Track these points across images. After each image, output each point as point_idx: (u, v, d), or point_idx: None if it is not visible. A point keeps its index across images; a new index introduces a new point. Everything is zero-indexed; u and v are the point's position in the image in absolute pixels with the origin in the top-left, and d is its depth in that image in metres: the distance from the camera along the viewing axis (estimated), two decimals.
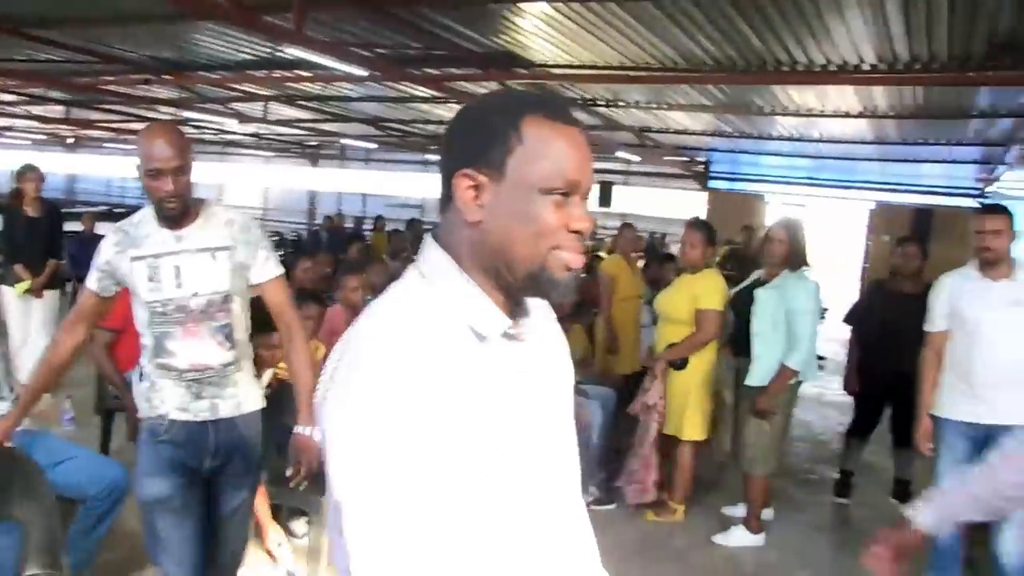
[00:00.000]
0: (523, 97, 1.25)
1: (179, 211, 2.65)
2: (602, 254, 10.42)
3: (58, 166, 25.86)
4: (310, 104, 13.61)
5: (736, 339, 4.92)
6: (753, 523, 4.86)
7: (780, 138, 12.83)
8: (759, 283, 4.84)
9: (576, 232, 1.20)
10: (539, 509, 1.25)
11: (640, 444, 5.13)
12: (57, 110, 16.23)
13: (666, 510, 5.14)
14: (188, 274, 2.68)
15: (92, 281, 2.74)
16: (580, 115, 11.42)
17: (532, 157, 1.18)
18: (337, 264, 6.64)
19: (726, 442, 5.13)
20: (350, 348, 1.16)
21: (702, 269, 5.01)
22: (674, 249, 12.76)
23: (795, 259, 4.72)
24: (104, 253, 2.70)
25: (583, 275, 5.58)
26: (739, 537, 4.84)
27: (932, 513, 1.94)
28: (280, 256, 3.14)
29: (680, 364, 4.93)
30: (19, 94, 14.60)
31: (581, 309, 6.90)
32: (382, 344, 1.12)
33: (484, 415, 1.15)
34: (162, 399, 2.74)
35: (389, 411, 1.06)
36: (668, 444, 5.13)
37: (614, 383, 6.00)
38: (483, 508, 1.14)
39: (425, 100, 12.18)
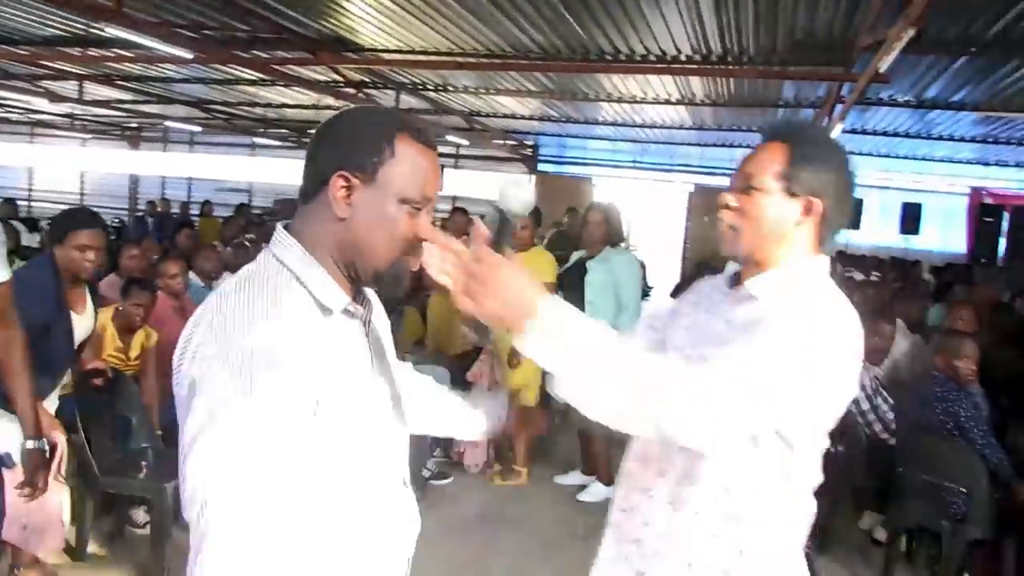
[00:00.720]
0: (397, 115, 1.42)
1: None
2: None
3: None
4: (130, 84, 13.06)
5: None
6: (604, 475, 5.24)
7: (605, 123, 13.30)
8: (583, 260, 5.25)
9: (422, 241, 1.38)
10: (371, 470, 1.41)
11: None
12: None
13: (512, 474, 5.48)
14: None
15: None
16: (409, 99, 11.52)
17: (400, 170, 1.35)
18: (164, 251, 6.48)
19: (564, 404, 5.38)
20: (206, 316, 1.27)
21: (530, 248, 5.36)
22: None
23: (613, 236, 5.18)
24: None
25: None
26: (598, 491, 5.22)
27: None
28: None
29: None
30: None
31: (415, 292, 7.01)
32: (241, 309, 1.25)
33: (329, 377, 1.29)
34: None
35: (245, 365, 1.19)
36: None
37: (447, 363, 6.14)
38: (320, 462, 1.28)
39: (252, 83, 11.94)
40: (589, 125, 13.82)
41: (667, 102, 10.51)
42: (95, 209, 17.10)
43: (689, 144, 14.99)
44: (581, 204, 14.46)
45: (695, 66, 7.93)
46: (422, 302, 6.86)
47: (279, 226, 1.40)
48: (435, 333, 6.60)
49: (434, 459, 5.48)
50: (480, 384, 5.50)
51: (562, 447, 5.90)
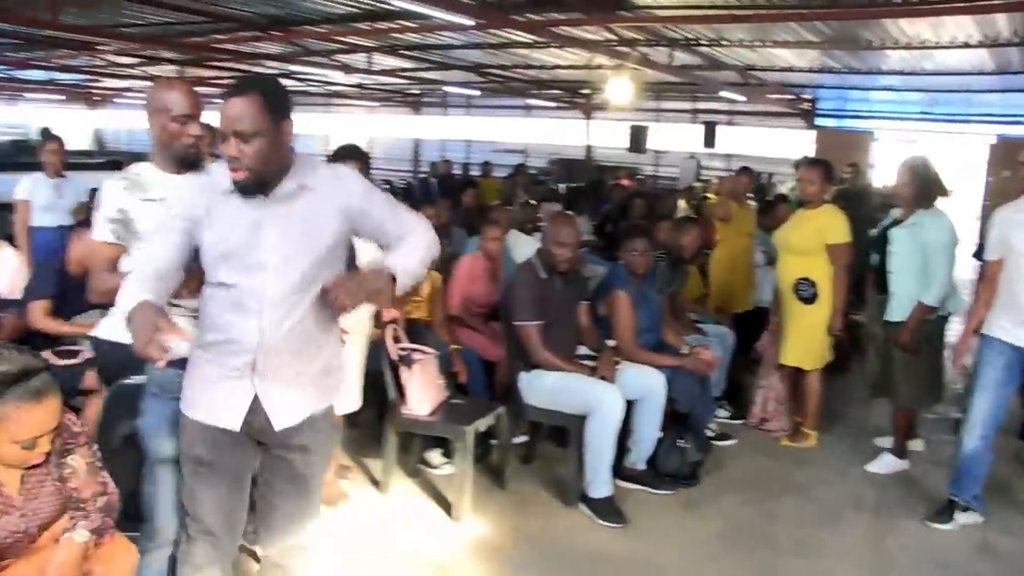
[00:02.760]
0: None
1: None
2: (709, 195, 10.37)
3: None
4: (412, 53, 13.77)
5: (879, 277, 4.96)
6: (899, 450, 5.01)
7: (891, 72, 12.44)
8: (897, 222, 4.84)
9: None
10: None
11: (768, 377, 5.48)
12: (170, 70, 16.79)
13: (800, 436, 5.34)
14: None
15: None
16: (682, 56, 11.33)
17: None
18: (452, 212, 6.79)
19: (873, 375, 5.17)
20: None
21: (820, 205, 5.15)
22: (782, 189, 12.55)
23: (924, 196, 4.67)
24: None
25: (693, 217, 5.78)
26: (888, 463, 4.98)
27: None
28: None
29: (810, 298, 5.07)
30: (135, 56, 15.21)
31: (696, 250, 6.95)
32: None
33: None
34: None
35: None
36: (794, 375, 5.37)
37: (728, 322, 6.06)
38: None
39: (527, 45, 12.21)
40: (872, 75, 12.98)
41: (964, 45, 9.64)
42: (382, 171, 18.29)
43: (990, 91, 13.67)
44: (863, 159, 13.73)
45: (1000, 1, 7.18)
46: (702, 259, 6.81)
47: None
48: (717, 291, 6.54)
49: (718, 419, 5.42)
50: (767, 355, 5.46)
51: (872, 414, 5.68)
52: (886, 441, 5.20)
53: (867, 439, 5.41)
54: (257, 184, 2.24)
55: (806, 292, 5.09)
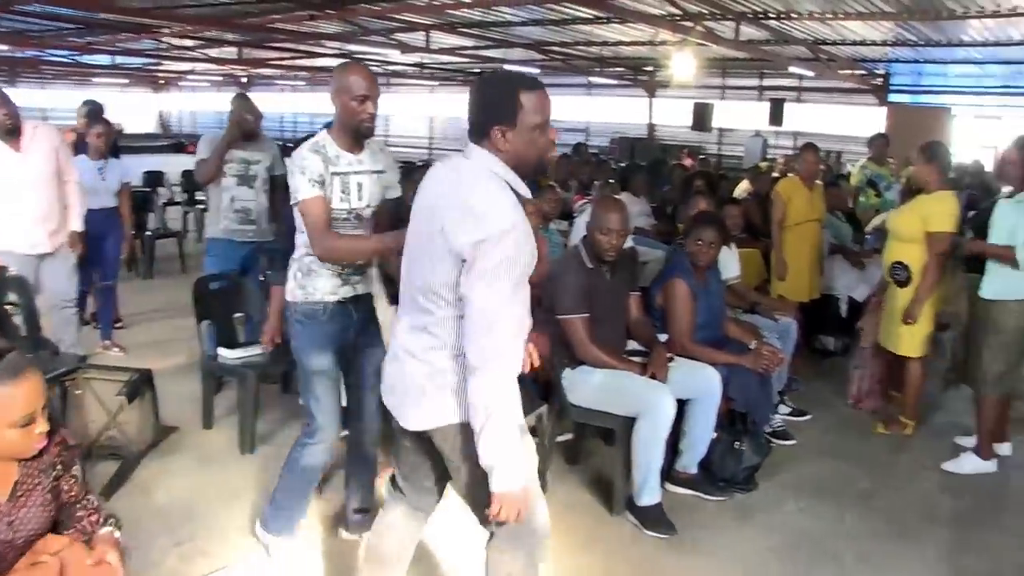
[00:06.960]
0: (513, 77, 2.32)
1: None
2: (775, 175, 9.94)
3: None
4: (472, 31, 13.56)
5: (970, 255, 4.74)
6: (984, 449, 4.64)
7: (972, 44, 11.83)
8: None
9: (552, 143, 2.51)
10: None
11: (864, 356, 5.53)
12: (231, 51, 16.81)
13: (896, 424, 5.14)
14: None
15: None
16: (749, 30, 10.88)
17: (529, 112, 2.22)
18: None
19: (954, 358, 5.02)
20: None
21: (935, 191, 4.87)
22: (850, 168, 12.01)
23: None
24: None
25: (750, 197, 5.42)
26: (972, 464, 4.63)
27: None
28: None
29: (904, 281, 4.91)
30: (195, 38, 15.23)
31: (751, 231, 6.57)
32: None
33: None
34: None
35: None
36: (890, 359, 5.24)
37: (793, 312, 5.62)
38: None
39: (588, 21, 11.93)
40: (951, 47, 12.36)
41: None
42: (442, 151, 18.39)
43: None
44: (942, 138, 13.07)
45: None
46: (763, 244, 6.42)
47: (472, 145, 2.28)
48: (776, 279, 6.16)
49: (781, 415, 5.07)
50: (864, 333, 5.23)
51: (958, 403, 5.40)
52: (969, 441, 4.83)
53: (947, 439, 5.04)
54: None
55: (900, 275, 4.94)
